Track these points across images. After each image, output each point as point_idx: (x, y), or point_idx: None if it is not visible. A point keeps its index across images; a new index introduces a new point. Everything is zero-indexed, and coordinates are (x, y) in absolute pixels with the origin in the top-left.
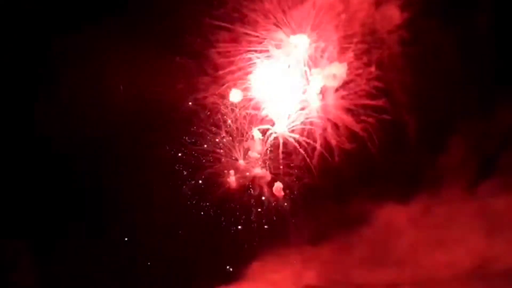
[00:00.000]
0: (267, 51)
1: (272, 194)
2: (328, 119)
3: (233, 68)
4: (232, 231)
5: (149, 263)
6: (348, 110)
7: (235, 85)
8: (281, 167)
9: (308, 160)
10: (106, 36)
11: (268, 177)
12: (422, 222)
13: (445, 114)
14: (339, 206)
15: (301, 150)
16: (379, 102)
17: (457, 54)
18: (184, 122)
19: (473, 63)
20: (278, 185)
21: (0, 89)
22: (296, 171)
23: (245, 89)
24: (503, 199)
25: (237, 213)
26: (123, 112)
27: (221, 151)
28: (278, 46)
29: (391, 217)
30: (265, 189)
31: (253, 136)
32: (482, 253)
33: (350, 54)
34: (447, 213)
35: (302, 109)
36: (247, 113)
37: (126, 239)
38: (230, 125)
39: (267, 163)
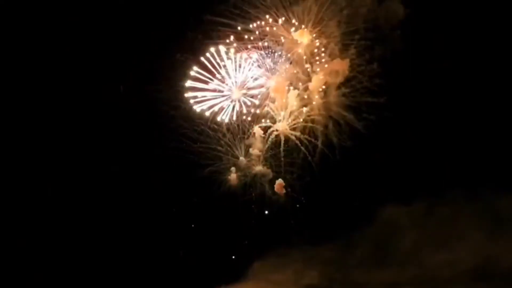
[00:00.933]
0: (269, 47)
1: (274, 193)
2: (330, 117)
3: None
4: (233, 230)
5: (149, 263)
6: (350, 108)
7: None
8: (283, 165)
9: (309, 157)
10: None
11: (270, 175)
12: (424, 222)
13: (448, 112)
14: (340, 205)
15: (303, 148)
16: (381, 100)
17: (459, 53)
18: (185, 119)
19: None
20: (279, 182)
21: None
22: (297, 169)
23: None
24: (506, 199)
25: (238, 212)
26: (123, 111)
27: (222, 148)
28: (279, 42)
29: (393, 216)
30: (266, 187)
31: (254, 134)
32: (485, 252)
33: (352, 51)
34: (449, 213)
35: (304, 106)
36: (248, 111)
37: (125, 238)
38: (231, 123)
39: (268, 161)
